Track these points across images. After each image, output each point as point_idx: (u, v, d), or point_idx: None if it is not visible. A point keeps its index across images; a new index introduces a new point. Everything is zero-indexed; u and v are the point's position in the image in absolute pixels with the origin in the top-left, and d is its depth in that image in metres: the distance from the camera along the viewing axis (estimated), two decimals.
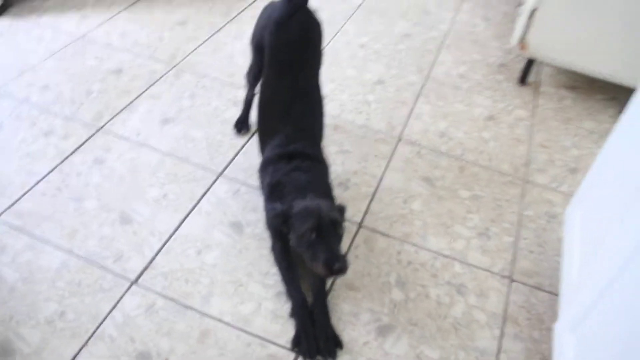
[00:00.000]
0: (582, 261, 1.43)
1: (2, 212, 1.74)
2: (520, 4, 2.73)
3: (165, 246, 1.71)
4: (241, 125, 2.12)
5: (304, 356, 1.48)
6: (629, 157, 1.39)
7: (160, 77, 2.36)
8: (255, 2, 2.99)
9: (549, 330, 1.60)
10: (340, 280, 1.66)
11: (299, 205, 1.50)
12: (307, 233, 1.45)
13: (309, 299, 1.58)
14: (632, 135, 1.41)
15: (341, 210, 1.58)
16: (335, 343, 1.51)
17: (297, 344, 1.49)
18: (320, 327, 1.52)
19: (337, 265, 1.40)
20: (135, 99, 2.23)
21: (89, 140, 2.02)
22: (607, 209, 1.40)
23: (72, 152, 1.97)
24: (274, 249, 1.66)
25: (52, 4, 2.76)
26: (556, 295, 1.68)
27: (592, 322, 1.24)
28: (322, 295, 1.58)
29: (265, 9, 1.90)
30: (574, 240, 1.55)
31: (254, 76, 1.98)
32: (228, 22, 2.79)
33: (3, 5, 2.62)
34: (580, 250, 1.48)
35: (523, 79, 2.60)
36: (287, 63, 1.76)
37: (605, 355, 1.13)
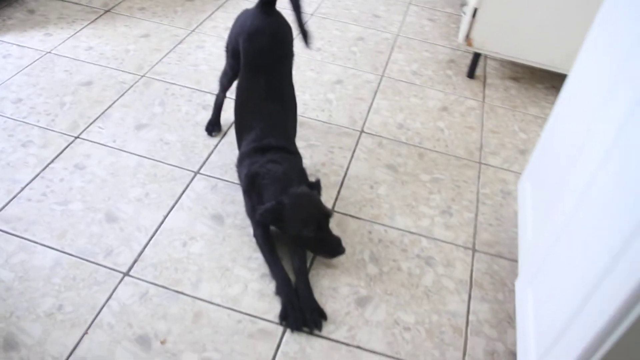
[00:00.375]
0: (534, 223, 1.61)
1: None
2: (463, 4, 2.94)
3: (152, 240, 1.81)
4: (212, 127, 2.24)
5: (292, 328, 1.60)
6: (564, 133, 1.59)
7: (130, 87, 2.45)
8: (214, 13, 3.12)
9: (511, 291, 1.77)
10: (318, 259, 1.80)
11: (289, 201, 1.68)
12: (310, 230, 1.67)
13: (292, 277, 1.71)
14: (567, 114, 1.61)
15: (318, 184, 1.80)
16: (319, 314, 1.64)
17: (285, 317, 1.62)
18: (304, 302, 1.65)
19: (340, 249, 1.71)
20: (108, 108, 2.32)
21: (68, 148, 2.10)
22: (551, 177, 1.58)
23: (53, 160, 2.05)
24: (256, 235, 1.79)
25: (13, 23, 2.82)
26: (515, 261, 1.85)
27: (545, 272, 1.41)
28: (303, 272, 1.72)
29: (239, 16, 2.03)
30: (527, 207, 1.73)
31: (228, 80, 2.11)
32: (189, 33, 2.91)
33: None
34: (532, 214, 1.66)
35: (471, 73, 2.81)
36: (262, 66, 1.92)
37: (555, 298, 1.30)
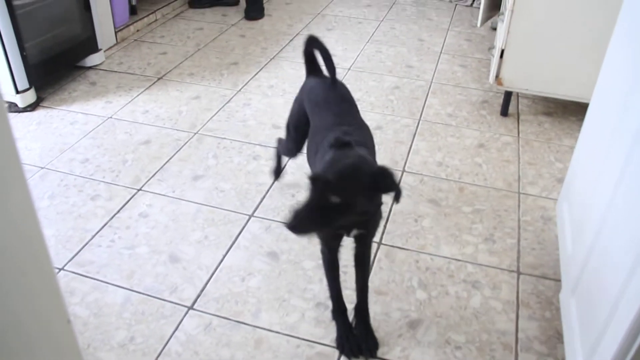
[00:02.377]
0: (572, 236, 1.69)
1: (67, 263, 1.98)
2: (491, 47, 3.10)
3: (213, 276, 1.94)
4: (276, 173, 2.37)
5: (348, 357, 1.68)
6: (591, 150, 1.69)
7: (185, 143, 2.66)
8: (257, 74, 3.35)
9: (558, 309, 1.82)
10: (369, 288, 1.89)
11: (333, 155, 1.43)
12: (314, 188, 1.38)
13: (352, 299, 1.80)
14: (590, 137, 1.72)
15: (384, 172, 1.40)
16: (374, 344, 1.71)
17: (341, 345, 1.70)
18: (361, 330, 1.73)
19: (290, 222, 1.35)
20: (166, 163, 2.51)
21: (132, 199, 2.29)
22: (584, 192, 1.67)
23: (119, 210, 2.23)
24: (322, 251, 1.74)
25: (78, 94, 3.09)
26: (560, 281, 1.91)
27: (584, 279, 1.48)
28: (363, 298, 1.77)
29: (301, 92, 1.99)
30: (565, 224, 1.81)
31: (287, 150, 2.13)
32: (236, 93, 3.13)
33: (36, 101, 2.95)
34: (570, 229, 1.74)
35: (504, 111, 2.92)
36: (330, 109, 1.83)
37: (596, 303, 1.36)
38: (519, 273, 1.97)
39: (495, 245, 2.09)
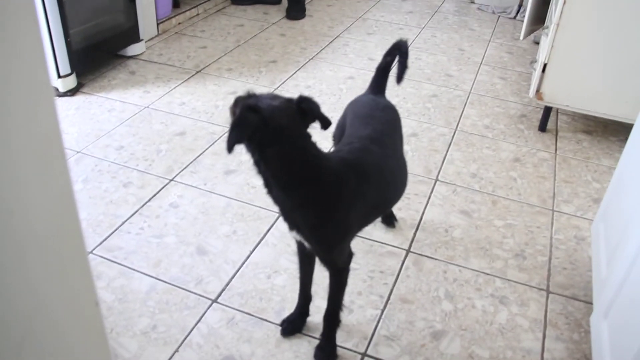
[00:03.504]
0: (607, 258, 1.64)
1: (95, 247, 2.00)
2: (533, 61, 3.05)
3: (239, 272, 1.94)
4: None
5: (282, 334, 1.72)
6: (634, 172, 1.64)
7: (219, 137, 2.67)
8: (295, 73, 3.35)
9: (587, 332, 1.78)
10: (395, 295, 1.87)
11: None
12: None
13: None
14: (634, 158, 1.66)
15: (305, 98, 1.35)
16: (325, 356, 1.66)
17: (282, 322, 1.75)
18: (321, 339, 1.69)
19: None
20: (199, 155, 2.53)
21: (163, 189, 2.30)
22: (622, 215, 1.62)
23: (150, 199, 2.25)
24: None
25: (117, 82, 3.13)
26: (591, 303, 1.86)
27: (619, 304, 1.43)
28: (328, 310, 1.65)
29: (348, 105, 1.91)
30: (600, 246, 1.76)
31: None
32: (273, 90, 3.14)
33: (76, 86, 2.99)
34: (605, 252, 1.69)
35: (543, 127, 2.87)
36: (370, 124, 1.73)
37: (630, 329, 1.32)
38: (548, 292, 1.93)
39: (526, 262, 2.04)
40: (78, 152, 2.50)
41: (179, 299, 1.83)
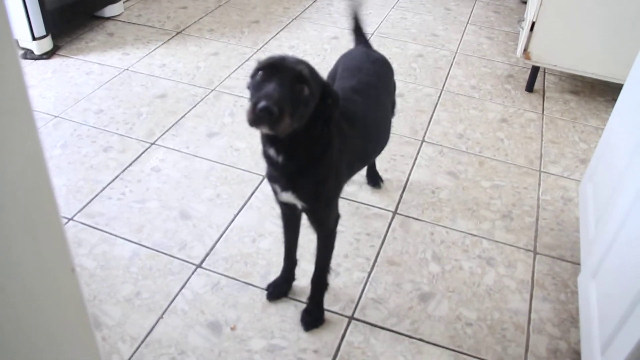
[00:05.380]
0: (596, 219, 1.63)
1: (76, 214, 1.95)
2: (521, 20, 2.99)
3: (224, 236, 1.91)
4: None
5: (268, 298, 1.70)
6: (620, 137, 1.61)
7: (202, 99, 2.60)
8: (279, 33, 3.27)
9: (574, 293, 1.78)
10: (382, 257, 1.85)
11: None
12: (255, 73, 1.22)
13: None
14: (622, 118, 1.64)
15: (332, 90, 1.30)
16: (313, 319, 1.64)
17: (269, 287, 1.73)
18: (309, 303, 1.66)
19: (262, 103, 1.12)
20: (181, 118, 2.46)
21: (145, 153, 2.25)
22: (611, 175, 1.60)
23: (131, 164, 2.19)
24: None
25: (95, 44, 3.03)
26: (578, 264, 1.86)
27: (607, 264, 1.42)
28: (316, 274, 1.62)
29: (339, 58, 1.86)
30: (589, 207, 1.75)
31: None
32: (256, 51, 3.06)
33: (52, 49, 2.89)
34: (594, 213, 1.68)
35: (530, 87, 2.84)
36: (356, 76, 1.70)
37: (618, 290, 1.31)
38: (535, 253, 1.92)
39: (513, 223, 2.03)
40: (56, 117, 2.43)
41: (162, 264, 1.80)
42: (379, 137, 1.71)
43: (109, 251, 1.83)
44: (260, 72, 1.20)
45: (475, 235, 1.97)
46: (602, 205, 1.61)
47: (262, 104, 1.12)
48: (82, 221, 1.93)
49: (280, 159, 1.33)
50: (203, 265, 1.80)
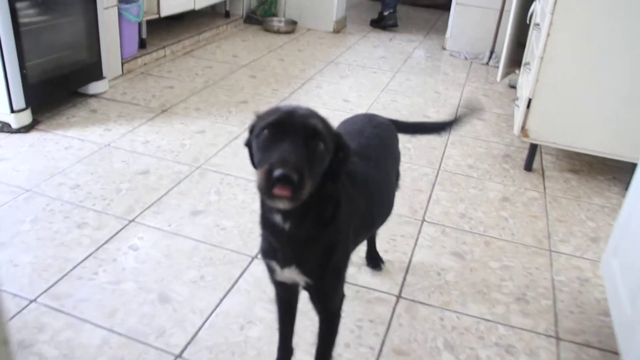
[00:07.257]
0: (631, 298, 1.45)
1: (40, 295, 1.72)
2: (515, 99, 2.94)
3: (208, 322, 1.68)
4: None
5: None
6: None
7: (186, 177, 2.44)
8: None
9: None
10: (388, 346, 1.64)
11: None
12: (260, 132, 1.04)
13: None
14: None
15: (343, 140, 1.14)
16: None
17: None
18: None
19: (278, 171, 0.94)
20: (164, 195, 2.29)
21: (122, 230, 2.05)
22: None
23: (107, 241, 1.99)
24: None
25: (76, 120, 2.90)
26: (607, 351, 1.67)
27: None
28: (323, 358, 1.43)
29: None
30: (617, 284, 1.58)
31: None
32: (244, 130, 2.94)
33: (31, 123, 2.75)
34: (627, 290, 1.51)
35: (528, 166, 2.74)
36: (357, 139, 1.53)
37: None
38: (558, 339, 1.72)
39: (529, 307, 1.84)
40: (28, 191, 2.24)
41: (136, 354, 1.56)
42: (382, 201, 1.54)
43: (75, 338, 1.59)
44: (265, 131, 1.03)
45: (489, 321, 1.77)
46: (637, 282, 1.44)
47: (278, 171, 0.94)
48: (47, 303, 1.70)
49: (287, 225, 1.14)
50: (183, 355, 1.57)
